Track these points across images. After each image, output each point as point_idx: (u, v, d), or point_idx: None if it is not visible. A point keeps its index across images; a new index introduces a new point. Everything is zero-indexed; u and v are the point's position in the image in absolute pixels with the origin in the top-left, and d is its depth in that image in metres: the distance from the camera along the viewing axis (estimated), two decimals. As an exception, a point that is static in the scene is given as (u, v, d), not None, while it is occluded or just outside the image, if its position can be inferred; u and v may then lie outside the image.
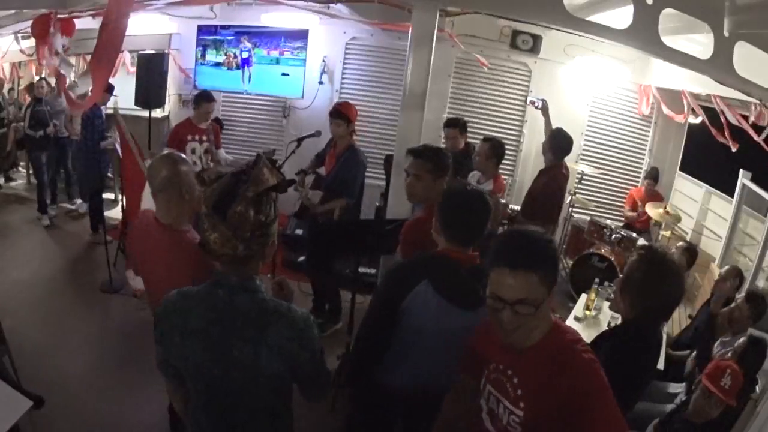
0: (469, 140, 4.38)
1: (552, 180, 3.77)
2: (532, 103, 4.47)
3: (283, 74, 5.72)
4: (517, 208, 4.05)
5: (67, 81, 4.74)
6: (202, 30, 5.77)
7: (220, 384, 1.36)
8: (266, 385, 1.36)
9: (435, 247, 1.85)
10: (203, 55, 5.83)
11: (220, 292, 1.33)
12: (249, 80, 5.80)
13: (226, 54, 5.77)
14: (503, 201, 3.90)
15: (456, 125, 4.19)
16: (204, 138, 4.31)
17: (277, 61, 5.71)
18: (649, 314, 1.75)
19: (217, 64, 5.83)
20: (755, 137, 4.18)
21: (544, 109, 4.23)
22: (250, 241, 1.29)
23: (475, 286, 1.75)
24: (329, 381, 1.52)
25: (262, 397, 1.39)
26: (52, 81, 5.50)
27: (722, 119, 4.52)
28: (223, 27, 5.72)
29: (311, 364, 1.40)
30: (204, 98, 4.30)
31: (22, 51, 5.55)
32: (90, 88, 2.94)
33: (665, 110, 5.37)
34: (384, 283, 1.91)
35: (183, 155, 2.06)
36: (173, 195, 1.91)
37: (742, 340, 2.65)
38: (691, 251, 4.21)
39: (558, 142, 3.77)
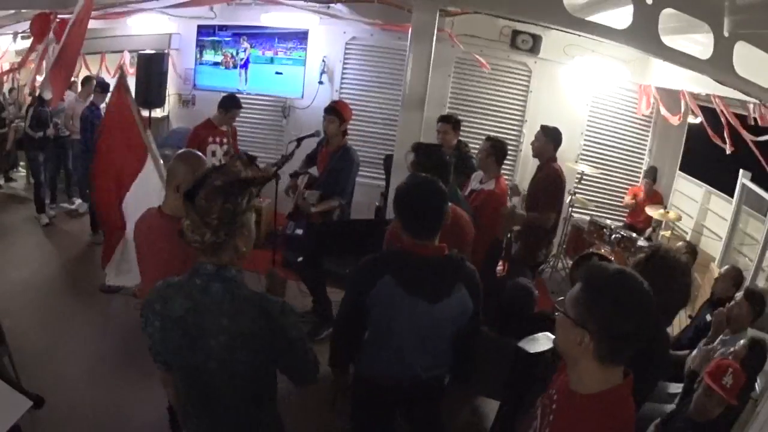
0: (461, 138, 4.39)
1: (553, 171, 3.88)
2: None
3: (277, 73, 5.73)
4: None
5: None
6: (201, 31, 5.78)
7: (201, 372, 1.38)
8: (245, 373, 1.39)
9: None
10: (201, 55, 5.84)
11: (197, 281, 1.36)
12: (246, 81, 5.81)
13: (224, 54, 5.79)
14: (520, 211, 3.92)
15: (449, 121, 4.21)
16: (224, 140, 4.27)
17: (272, 61, 5.73)
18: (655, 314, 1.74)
19: (215, 64, 5.84)
20: (749, 143, 4.19)
21: (514, 191, 4.27)
22: (218, 229, 1.32)
23: (436, 280, 1.78)
24: (315, 365, 1.52)
25: (242, 385, 1.41)
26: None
27: (723, 119, 4.53)
28: (222, 28, 5.73)
29: (290, 352, 1.42)
30: (235, 104, 4.26)
31: (17, 52, 5.56)
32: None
33: (663, 111, 5.37)
34: (350, 280, 1.95)
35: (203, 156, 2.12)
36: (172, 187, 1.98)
37: (742, 342, 2.65)
38: (692, 251, 4.21)
39: (555, 135, 3.91)
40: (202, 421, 1.47)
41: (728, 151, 4.56)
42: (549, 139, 3.89)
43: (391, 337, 1.83)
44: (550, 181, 3.86)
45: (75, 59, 2.78)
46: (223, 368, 1.36)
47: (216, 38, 5.78)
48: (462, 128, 5.77)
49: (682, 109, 5.13)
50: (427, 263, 1.78)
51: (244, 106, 6.00)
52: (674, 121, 5.31)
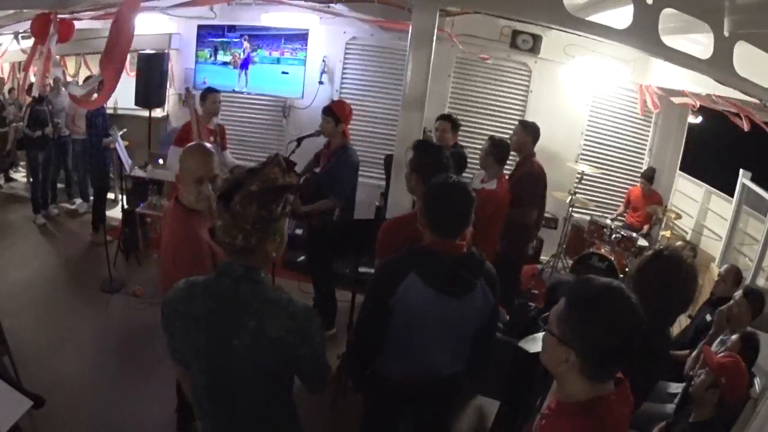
0: (458, 141, 4.43)
1: (537, 167, 3.95)
2: None
3: (283, 72, 5.75)
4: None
5: (61, 78, 4.72)
6: (210, 33, 5.79)
7: (222, 371, 1.39)
8: (266, 373, 1.39)
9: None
10: (214, 55, 5.86)
11: (225, 281, 1.36)
12: (246, 82, 5.83)
13: (233, 54, 5.80)
14: None
15: (448, 119, 4.23)
16: (211, 138, 4.28)
17: (278, 61, 5.75)
18: (656, 314, 1.74)
19: (225, 64, 5.86)
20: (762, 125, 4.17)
21: None
22: (250, 234, 1.32)
23: (462, 275, 1.80)
24: (329, 372, 1.54)
25: (262, 385, 1.42)
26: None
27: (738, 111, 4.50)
28: (230, 29, 5.73)
29: (311, 358, 1.43)
30: (209, 90, 4.31)
31: (23, 50, 5.54)
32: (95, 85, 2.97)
33: (675, 100, 5.32)
34: (374, 280, 1.94)
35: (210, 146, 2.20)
36: (189, 180, 2.04)
37: (735, 337, 2.66)
38: (691, 251, 4.19)
39: (534, 129, 3.95)
40: (218, 418, 1.48)
41: (746, 129, 4.52)
42: (528, 132, 3.93)
43: (416, 335, 1.84)
44: (534, 178, 3.91)
45: (125, 55, 2.82)
46: (244, 369, 1.37)
47: (225, 39, 5.79)
48: (462, 128, 5.80)
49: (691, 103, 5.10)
50: (450, 260, 1.80)
51: (244, 106, 6.08)
52: (690, 104, 5.24)
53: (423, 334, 1.83)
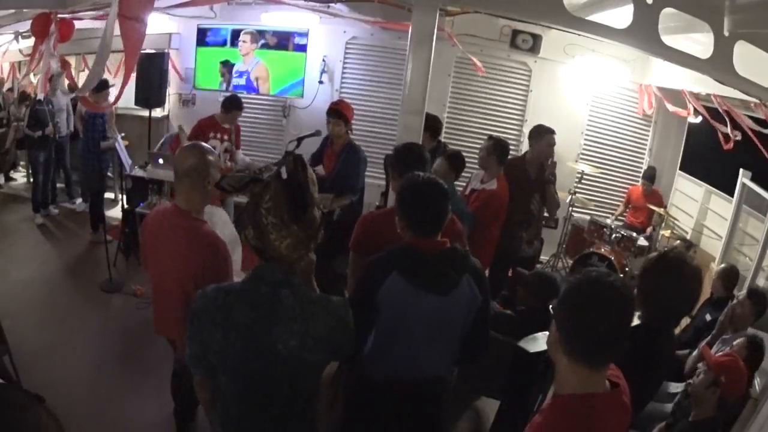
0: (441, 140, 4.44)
1: None
2: None
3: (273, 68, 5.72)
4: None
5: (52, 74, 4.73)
6: (233, 39, 5.75)
7: (262, 376, 1.39)
8: (307, 372, 1.43)
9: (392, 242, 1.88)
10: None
11: (263, 288, 1.36)
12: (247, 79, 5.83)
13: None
14: None
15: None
16: (225, 137, 4.38)
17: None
18: (660, 316, 1.75)
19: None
20: (749, 132, 4.18)
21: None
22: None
23: (444, 272, 1.79)
24: (356, 342, 1.57)
25: (300, 384, 1.44)
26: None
27: (723, 113, 4.52)
28: (237, 32, 5.72)
29: (350, 345, 1.48)
30: (235, 105, 4.38)
31: (20, 51, 5.54)
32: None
33: (670, 108, 5.35)
34: (357, 281, 1.94)
35: (210, 147, 2.15)
36: (197, 183, 1.98)
37: (741, 340, 2.66)
38: (689, 247, 4.20)
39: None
40: (250, 422, 1.47)
41: (736, 138, 4.53)
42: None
43: (403, 335, 1.82)
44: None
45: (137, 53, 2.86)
46: (288, 370, 1.38)
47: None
48: (462, 128, 5.83)
49: (689, 107, 5.10)
50: (432, 257, 1.79)
51: (244, 105, 6.05)
52: (684, 114, 5.27)
53: (410, 333, 1.82)
